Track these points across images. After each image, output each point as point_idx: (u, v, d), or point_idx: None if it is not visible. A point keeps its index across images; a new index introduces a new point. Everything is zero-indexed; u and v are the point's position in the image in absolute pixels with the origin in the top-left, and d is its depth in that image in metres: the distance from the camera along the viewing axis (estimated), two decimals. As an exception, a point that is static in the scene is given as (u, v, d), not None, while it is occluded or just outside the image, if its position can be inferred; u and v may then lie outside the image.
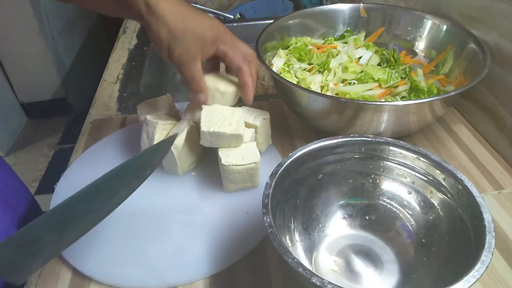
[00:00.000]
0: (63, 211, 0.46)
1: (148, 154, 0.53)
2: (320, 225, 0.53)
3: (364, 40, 0.82)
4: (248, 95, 0.60)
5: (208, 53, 0.56)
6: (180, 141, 0.61)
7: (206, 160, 0.67)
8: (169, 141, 0.56)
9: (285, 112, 0.79)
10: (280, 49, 0.77)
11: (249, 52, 0.60)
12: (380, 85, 0.67)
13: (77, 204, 0.46)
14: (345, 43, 0.78)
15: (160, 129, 0.63)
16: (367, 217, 0.53)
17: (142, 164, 0.51)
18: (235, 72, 0.60)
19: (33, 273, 0.47)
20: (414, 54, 0.78)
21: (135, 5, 0.51)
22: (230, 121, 0.59)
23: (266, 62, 0.70)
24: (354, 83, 0.68)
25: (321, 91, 0.69)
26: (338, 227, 0.53)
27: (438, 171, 0.48)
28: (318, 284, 0.36)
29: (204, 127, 0.58)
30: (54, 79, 2.18)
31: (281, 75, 0.70)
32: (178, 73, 0.57)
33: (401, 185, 0.52)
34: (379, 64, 0.73)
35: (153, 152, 0.53)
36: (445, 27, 0.74)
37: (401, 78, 0.68)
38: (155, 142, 0.62)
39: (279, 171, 0.47)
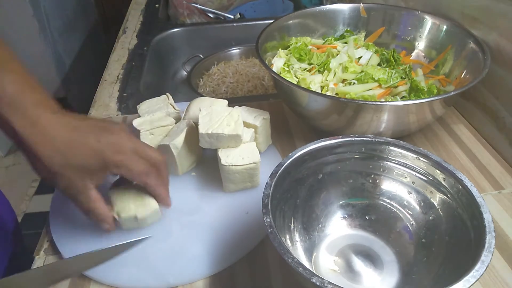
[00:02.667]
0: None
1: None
2: (320, 225, 0.53)
3: (364, 40, 0.81)
4: (164, 204, 0.55)
5: (100, 180, 0.50)
6: (179, 141, 0.61)
7: (206, 160, 0.67)
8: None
9: (285, 112, 0.79)
10: (280, 49, 0.77)
11: (151, 155, 0.51)
12: (380, 85, 0.67)
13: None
14: (345, 43, 0.78)
15: (146, 135, 0.63)
16: (367, 217, 0.53)
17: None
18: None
19: None
20: (414, 54, 0.78)
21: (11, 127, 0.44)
22: (228, 122, 0.59)
23: (266, 62, 0.70)
24: (354, 83, 0.68)
25: (321, 91, 0.69)
26: (338, 227, 0.53)
27: (438, 171, 0.48)
28: (318, 284, 0.36)
29: (202, 129, 0.58)
30: (54, 79, 2.18)
31: (281, 75, 0.70)
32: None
33: (401, 185, 0.52)
34: (379, 64, 0.73)
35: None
36: (445, 27, 0.74)
37: (401, 78, 0.68)
38: None
39: (279, 171, 0.47)
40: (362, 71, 0.69)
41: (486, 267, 0.37)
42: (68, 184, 0.48)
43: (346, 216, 0.54)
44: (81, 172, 0.47)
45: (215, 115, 0.60)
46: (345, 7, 0.82)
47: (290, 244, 0.48)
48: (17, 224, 0.75)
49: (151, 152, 0.51)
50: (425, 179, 0.50)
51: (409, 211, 0.51)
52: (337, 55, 0.74)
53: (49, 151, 0.45)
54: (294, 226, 0.50)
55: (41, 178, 0.49)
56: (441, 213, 0.48)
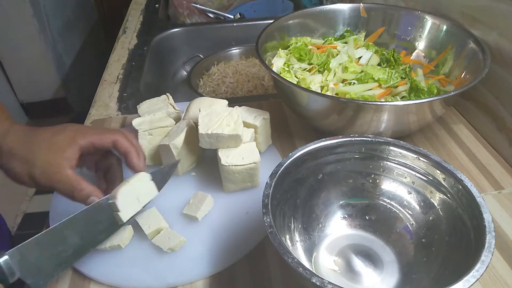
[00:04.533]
0: (86, 215, 0.48)
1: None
2: (320, 225, 0.53)
3: (364, 40, 0.81)
4: (132, 163, 0.52)
5: (72, 154, 0.49)
6: (179, 141, 0.61)
7: (206, 160, 0.67)
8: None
9: (285, 112, 0.79)
10: (280, 49, 0.77)
11: (118, 131, 0.53)
12: (380, 85, 0.67)
13: (101, 210, 0.49)
14: (345, 43, 0.78)
15: (144, 135, 0.63)
16: (367, 217, 0.53)
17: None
18: (113, 148, 0.53)
19: (54, 278, 0.47)
20: (414, 54, 0.78)
21: None
22: (228, 122, 0.59)
23: (266, 62, 0.70)
24: (354, 83, 0.68)
25: (321, 91, 0.69)
26: (338, 227, 0.53)
27: (438, 171, 0.48)
28: (318, 284, 0.36)
29: (202, 129, 0.58)
30: (54, 79, 2.18)
31: (281, 75, 0.70)
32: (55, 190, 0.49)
33: (401, 185, 0.52)
34: (379, 64, 0.73)
35: None
36: (445, 27, 0.74)
37: (401, 78, 0.68)
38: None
39: (279, 171, 0.47)
40: (362, 71, 0.69)
41: (486, 267, 0.37)
42: (43, 167, 0.48)
43: (346, 216, 0.54)
44: (52, 149, 0.48)
45: (215, 115, 0.60)
46: (345, 7, 0.82)
47: (290, 244, 0.48)
48: (10, 236, 0.75)
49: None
50: (425, 179, 0.50)
51: (409, 211, 0.51)
52: (337, 55, 0.74)
53: (15, 141, 0.49)
54: (294, 226, 0.50)
55: (19, 181, 0.50)
56: (441, 213, 0.48)
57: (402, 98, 0.67)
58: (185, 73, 1.07)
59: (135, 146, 0.53)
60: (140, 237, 0.55)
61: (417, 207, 0.51)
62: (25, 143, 0.49)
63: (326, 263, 0.50)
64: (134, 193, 0.51)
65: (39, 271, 0.44)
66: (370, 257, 0.50)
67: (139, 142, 0.55)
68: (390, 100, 0.66)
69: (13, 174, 0.49)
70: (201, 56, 1.10)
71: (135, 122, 0.64)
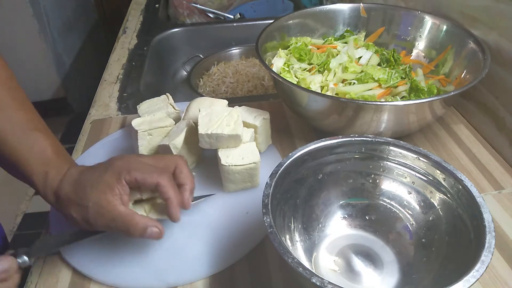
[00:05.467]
0: None
1: None
2: (320, 225, 0.53)
3: (364, 40, 0.81)
4: (169, 212, 0.49)
5: (121, 190, 0.48)
6: (179, 141, 0.61)
7: (206, 160, 0.67)
8: None
9: (285, 112, 0.79)
10: (280, 49, 0.77)
11: (170, 162, 0.52)
12: (380, 85, 0.67)
13: None
14: (345, 43, 0.78)
15: (144, 136, 0.63)
16: (367, 217, 0.53)
17: None
18: (156, 190, 0.50)
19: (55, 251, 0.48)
20: (414, 54, 0.78)
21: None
22: (228, 122, 0.59)
23: (266, 62, 0.70)
24: (354, 83, 0.68)
25: (321, 91, 0.69)
26: (338, 227, 0.53)
27: (438, 171, 0.48)
28: (318, 284, 0.36)
29: (201, 129, 0.58)
30: (54, 79, 2.18)
31: (281, 75, 0.70)
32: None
33: (401, 185, 0.52)
34: (379, 64, 0.73)
35: None
36: (445, 27, 0.74)
37: (401, 78, 0.68)
38: (139, 149, 0.63)
39: (279, 171, 0.47)
40: (362, 71, 0.69)
41: (486, 267, 0.37)
42: (95, 204, 0.47)
43: (346, 216, 0.54)
44: (101, 187, 0.47)
45: (215, 116, 0.59)
46: (345, 7, 0.82)
47: (290, 244, 0.48)
48: (6, 242, 0.74)
49: (168, 159, 0.52)
50: (425, 179, 0.50)
51: (409, 211, 0.51)
52: (337, 55, 0.74)
53: (70, 186, 0.48)
54: (294, 226, 0.50)
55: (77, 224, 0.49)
56: (441, 213, 0.48)
57: (402, 98, 0.67)
58: (185, 73, 1.07)
59: (176, 192, 0.50)
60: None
61: (417, 207, 0.51)
62: (77, 187, 0.48)
63: (326, 263, 0.50)
64: None
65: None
66: (370, 257, 0.50)
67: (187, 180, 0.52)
68: (390, 100, 0.66)
69: (71, 219, 0.48)
70: (201, 56, 1.10)
71: (135, 122, 0.64)
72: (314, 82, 0.70)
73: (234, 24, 1.20)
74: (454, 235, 0.45)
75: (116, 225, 0.47)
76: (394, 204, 0.52)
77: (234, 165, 0.57)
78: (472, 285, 0.35)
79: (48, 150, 0.50)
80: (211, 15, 1.29)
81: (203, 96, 0.92)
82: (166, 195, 0.49)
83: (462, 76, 0.68)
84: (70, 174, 0.49)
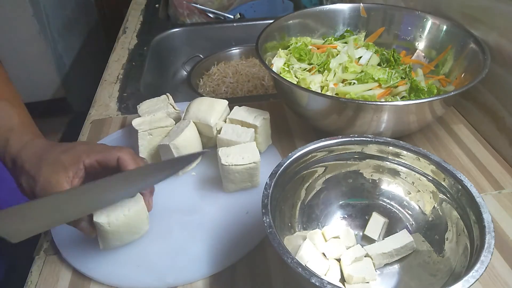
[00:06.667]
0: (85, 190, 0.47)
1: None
2: (320, 225, 0.53)
3: (364, 40, 0.81)
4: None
5: (75, 173, 0.49)
6: (179, 141, 0.61)
7: (206, 160, 0.67)
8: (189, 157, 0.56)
9: (285, 112, 0.79)
10: (280, 49, 0.77)
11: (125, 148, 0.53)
12: (380, 85, 0.67)
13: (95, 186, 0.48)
14: (345, 43, 0.78)
15: (144, 136, 0.63)
16: (367, 217, 0.53)
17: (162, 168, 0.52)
18: (117, 165, 0.51)
19: (32, 234, 0.46)
20: (414, 54, 0.78)
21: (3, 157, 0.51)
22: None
23: (266, 62, 0.70)
24: (354, 83, 0.68)
25: (321, 91, 0.69)
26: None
27: (438, 171, 0.48)
28: (317, 284, 0.36)
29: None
30: (54, 79, 2.18)
31: (281, 75, 0.70)
32: None
33: (401, 185, 0.52)
34: (379, 64, 0.73)
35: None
36: (445, 27, 0.74)
37: (401, 78, 0.68)
38: (139, 149, 0.63)
39: (279, 171, 0.47)
40: (362, 71, 0.69)
41: (486, 267, 0.37)
42: (44, 183, 0.48)
43: (346, 216, 0.54)
44: (55, 167, 0.48)
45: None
46: (345, 7, 0.82)
47: (290, 244, 0.48)
48: None
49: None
50: (425, 179, 0.50)
51: (409, 211, 0.51)
52: (337, 55, 0.74)
53: (28, 156, 0.49)
54: (294, 226, 0.50)
55: (24, 193, 0.50)
56: (441, 213, 0.48)
57: (402, 98, 0.67)
58: (185, 73, 1.07)
59: (138, 164, 0.51)
60: (141, 237, 0.55)
61: (417, 207, 0.51)
62: (35, 159, 0.49)
63: (326, 263, 0.50)
64: None
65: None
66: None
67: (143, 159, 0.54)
68: (390, 100, 0.66)
69: (21, 188, 0.50)
70: (201, 56, 1.10)
71: (135, 122, 0.64)
72: (314, 82, 0.70)
73: (234, 24, 1.20)
74: (454, 235, 0.45)
75: None
76: (394, 204, 0.52)
77: (234, 165, 0.57)
78: (472, 285, 0.35)
79: (15, 119, 0.52)
80: (211, 15, 1.29)
81: (203, 96, 0.92)
82: (126, 166, 0.50)
83: (462, 76, 0.68)
84: (32, 145, 0.50)
